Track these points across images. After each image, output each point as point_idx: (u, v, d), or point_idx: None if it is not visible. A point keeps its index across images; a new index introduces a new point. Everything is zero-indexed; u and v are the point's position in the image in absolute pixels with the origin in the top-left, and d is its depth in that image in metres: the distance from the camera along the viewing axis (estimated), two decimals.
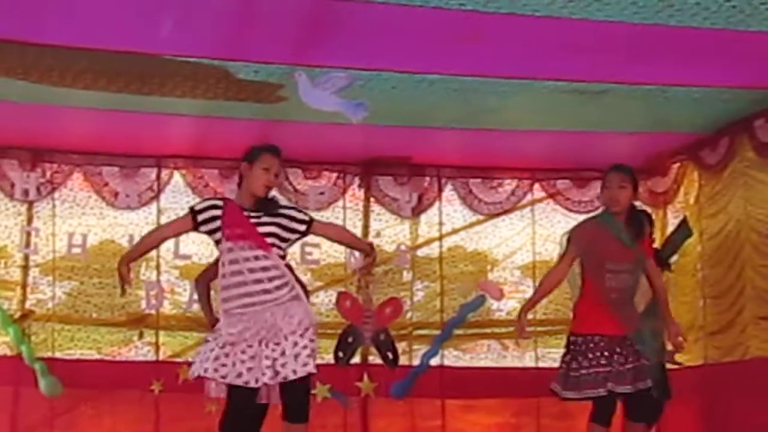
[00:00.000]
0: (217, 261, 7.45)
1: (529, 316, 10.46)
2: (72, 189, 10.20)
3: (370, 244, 6.40)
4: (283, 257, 5.94)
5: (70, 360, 10.01)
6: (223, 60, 7.46)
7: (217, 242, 5.93)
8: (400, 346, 10.22)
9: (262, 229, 5.87)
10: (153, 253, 10.15)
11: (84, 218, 10.20)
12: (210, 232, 5.95)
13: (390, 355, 10.08)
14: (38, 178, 10.03)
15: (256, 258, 5.84)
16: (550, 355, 10.53)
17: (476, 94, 8.19)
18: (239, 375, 5.77)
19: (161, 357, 10.21)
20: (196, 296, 9.84)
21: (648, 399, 6.49)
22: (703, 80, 8.06)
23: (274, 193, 6.12)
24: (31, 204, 10.10)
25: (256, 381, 5.77)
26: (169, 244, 10.14)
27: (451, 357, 10.61)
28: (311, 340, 5.83)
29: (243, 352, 5.78)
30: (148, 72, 7.74)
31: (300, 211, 6.15)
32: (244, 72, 7.69)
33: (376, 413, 10.38)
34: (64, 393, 9.64)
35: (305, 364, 5.75)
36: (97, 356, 10.18)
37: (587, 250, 6.54)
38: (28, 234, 10.05)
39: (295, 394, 5.84)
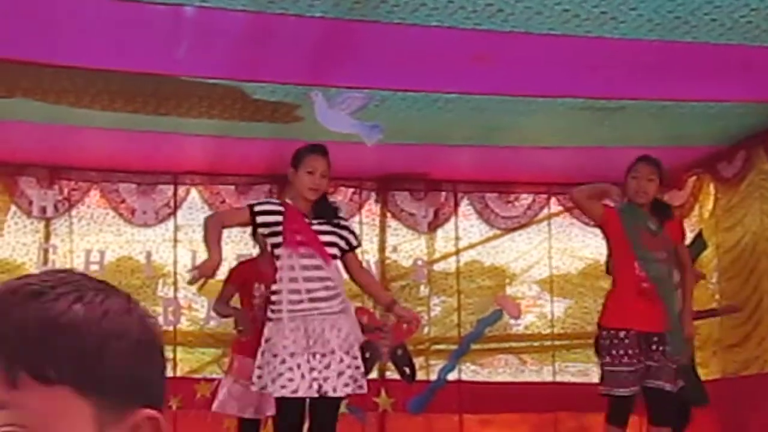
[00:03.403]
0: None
1: (546, 330, 10.73)
2: (89, 206, 10.23)
3: (389, 299, 6.31)
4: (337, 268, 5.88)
5: None
6: (239, 80, 7.49)
7: (273, 245, 5.85)
8: (418, 361, 10.21)
9: (323, 238, 5.80)
10: (170, 269, 10.24)
11: (101, 235, 10.23)
12: (269, 235, 5.87)
13: (407, 371, 10.07)
14: (56, 195, 10.06)
15: (315, 267, 5.75)
16: (568, 369, 10.54)
17: (492, 113, 8.21)
18: (284, 386, 5.67)
19: (179, 373, 10.20)
20: (214, 313, 9.98)
21: (670, 402, 6.38)
22: (718, 95, 8.05)
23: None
24: (48, 221, 10.13)
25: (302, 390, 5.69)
26: (187, 260, 10.22)
27: (469, 372, 10.61)
28: (355, 358, 5.73)
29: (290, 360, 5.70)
30: (165, 93, 7.78)
31: (355, 233, 6.12)
32: (260, 92, 7.72)
33: (393, 428, 10.38)
34: None
35: (346, 385, 5.67)
36: None
37: (615, 235, 6.44)
38: (46, 251, 10.08)
39: (326, 411, 5.76)
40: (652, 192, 6.56)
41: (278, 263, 5.82)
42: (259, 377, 5.76)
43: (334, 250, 5.82)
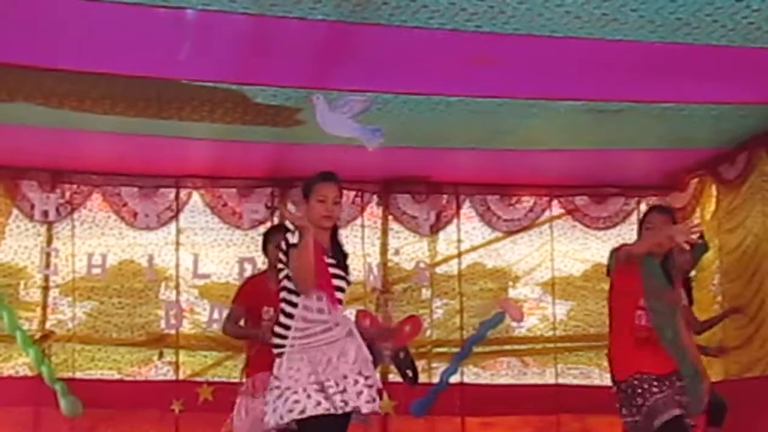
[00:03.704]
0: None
1: (548, 332, 10.72)
2: (91, 209, 10.24)
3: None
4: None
5: (91, 380, 10.04)
6: (241, 84, 7.49)
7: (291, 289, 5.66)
8: (420, 363, 10.22)
9: (334, 282, 5.69)
10: (172, 272, 10.25)
11: (103, 238, 10.24)
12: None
13: (410, 373, 10.07)
14: (57, 199, 10.07)
15: (320, 311, 5.61)
16: (570, 371, 10.54)
17: (494, 116, 8.21)
18: (318, 404, 5.48)
19: (181, 376, 10.22)
20: (216, 316, 9.97)
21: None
22: (720, 97, 8.05)
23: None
24: (50, 225, 10.15)
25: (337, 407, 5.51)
26: (189, 263, 10.23)
27: (471, 374, 10.61)
28: (367, 377, 5.58)
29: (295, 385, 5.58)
30: (166, 96, 7.77)
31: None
32: (262, 96, 7.73)
33: (396, 431, 10.38)
34: (84, 413, 9.67)
35: (368, 402, 5.52)
36: (117, 376, 10.21)
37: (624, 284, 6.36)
38: (48, 255, 10.10)
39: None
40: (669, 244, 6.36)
41: (292, 300, 5.72)
42: (274, 410, 5.55)
43: (340, 295, 5.73)
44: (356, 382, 5.55)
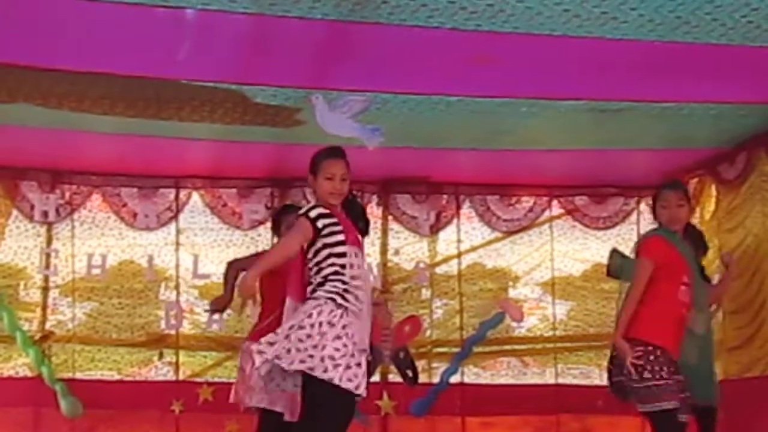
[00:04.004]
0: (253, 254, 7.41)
1: (549, 332, 10.72)
2: (91, 210, 10.25)
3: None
4: None
5: (91, 380, 10.05)
6: (240, 84, 7.49)
7: (331, 245, 5.59)
8: (420, 364, 10.22)
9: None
10: (172, 272, 10.25)
11: (103, 239, 10.25)
12: (328, 235, 5.60)
13: (410, 373, 10.07)
14: (57, 199, 10.09)
15: (359, 267, 5.67)
16: (570, 371, 10.55)
17: (494, 116, 8.20)
18: (350, 380, 5.46)
19: (181, 377, 10.23)
20: (216, 316, 9.96)
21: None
22: (720, 97, 8.04)
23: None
24: (50, 225, 10.16)
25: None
26: (188, 263, 10.23)
27: (471, 374, 10.61)
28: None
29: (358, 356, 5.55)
30: (166, 97, 7.77)
31: None
32: (261, 96, 7.73)
33: (396, 431, 10.38)
34: (84, 413, 9.67)
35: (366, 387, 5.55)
36: (117, 376, 10.23)
37: (664, 261, 6.33)
38: (48, 255, 10.11)
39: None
40: (685, 218, 6.49)
41: (336, 261, 5.59)
42: (336, 366, 5.40)
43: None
44: (360, 365, 5.53)
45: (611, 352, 6.38)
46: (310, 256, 5.65)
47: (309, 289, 5.63)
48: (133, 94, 7.74)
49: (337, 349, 5.41)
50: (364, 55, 6.96)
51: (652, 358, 6.14)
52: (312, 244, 5.61)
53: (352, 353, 5.46)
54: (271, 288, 7.47)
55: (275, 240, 8.04)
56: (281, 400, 7.17)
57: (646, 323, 6.21)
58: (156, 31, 6.61)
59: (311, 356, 5.42)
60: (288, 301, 5.76)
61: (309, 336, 5.43)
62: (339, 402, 5.44)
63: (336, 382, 5.35)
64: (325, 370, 5.37)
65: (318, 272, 5.61)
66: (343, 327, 5.49)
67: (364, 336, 5.60)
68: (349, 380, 5.40)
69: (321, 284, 5.57)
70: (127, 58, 6.95)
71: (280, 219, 7.47)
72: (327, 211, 5.67)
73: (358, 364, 5.47)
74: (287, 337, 5.47)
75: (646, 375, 6.12)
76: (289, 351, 5.44)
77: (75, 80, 7.37)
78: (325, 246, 5.60)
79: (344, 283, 5.57)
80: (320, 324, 5.44)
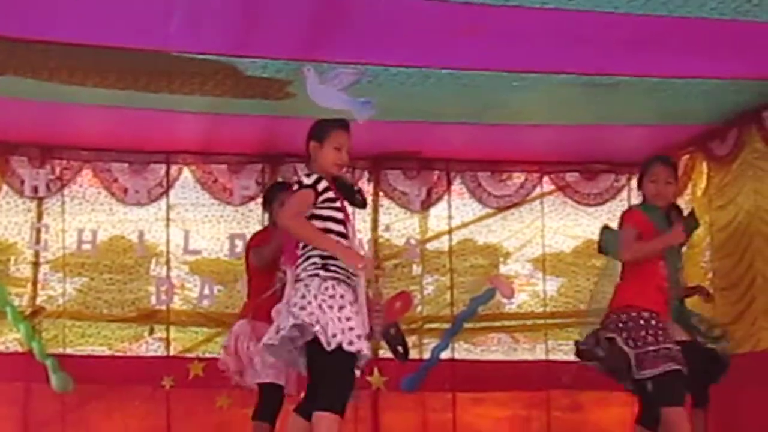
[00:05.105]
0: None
1: (540, 308, 10.73)
2: (81, 185, 10.22)
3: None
4: None
5: (81, 356, 10.03)
6: (231, 56, 7.46)
7: (326, 218, 5.70)
8: (411, 340, 10.19)
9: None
10: (163, 248, 10.24)
11: (94, 214, 10.21)
12: (325, 207, 5.70)
13: (400, 349, 10.01)
14: (47, 174, 10.04)
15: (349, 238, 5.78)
16: (561, 347, 10.56)
17: (485, 89, 8.17)
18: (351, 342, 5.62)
19: (172, 352, 10.21)
20: (207, 292, 9.97)
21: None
22: (711, 72, 8.03)
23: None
24: (40, 201, 10.12)
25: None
26: (179, 239, 10.21)
27: (462, 350, 10.60)
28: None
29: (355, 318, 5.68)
30: (156, 69, 7.74)
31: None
32: (252, 68, 7.70)
33: (386, 407, 10.38)
34: (75, 389, 9.63)
35: None
36: (107, 352, 10.21)
37: (645, 235, 6.36)
38: (38, 231, 10.07)
39: None
40: (671, 196, 6.50)
41: (332, 227, 5.71)
42: (334, 335, 5.54)
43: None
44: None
45: (601, 322, 6.38)
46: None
47: (308, 262, 5.66)
48: (123, 67, 7.70)
49: (343, 319, 5.56)
50: (355, 28, 6.93)
51: (653, 323, 6.19)
52: (313, 216, 5.66)
53: (348, 317, 5.59)
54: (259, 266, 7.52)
55: (266, 217, 8.05)
56: (284, 374, 7.24)
57: (636, 293, 6.27)
58: (147, 3, 6.60)
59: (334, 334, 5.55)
60: (289, 273, 5.80)
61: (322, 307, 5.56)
62: (346, 365, 5.62)
63: (345, 347, 5.50)
64: (334, 335, 5.51)
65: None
66: (341, 296, 5.62)
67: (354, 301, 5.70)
68: (350, 343, 5.53)
69: (320, 257, 5.64)
70: (117, 30, 6.92)
71: (272, 196, 7.47)
72: (326, 185, 5.72)
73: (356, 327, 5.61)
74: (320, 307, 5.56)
75: (650, 339, 6.15)
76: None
77: (65, 52, 7.33)
78: (326, 219, 5.67)
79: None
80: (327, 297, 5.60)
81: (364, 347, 5.63)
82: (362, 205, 5.99)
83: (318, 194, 5.67)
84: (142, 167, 10.21)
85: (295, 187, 5.76)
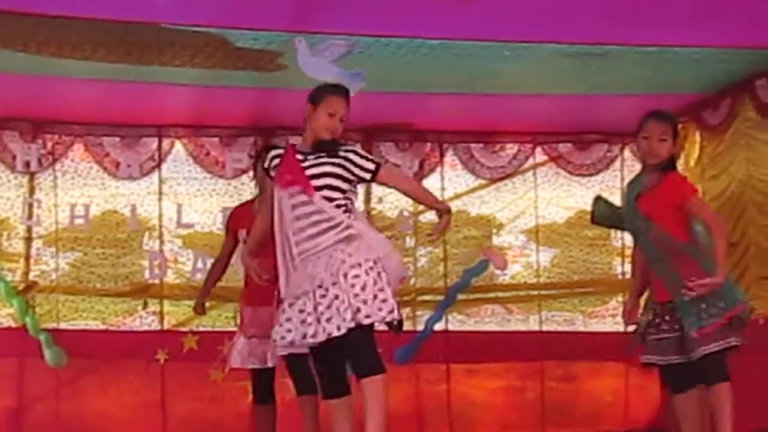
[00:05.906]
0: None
1: (533, 279, 10.73)
2: (73, 160, 10.18)
3: (447, 206, 5.98)
4: (342, 202, 5.53)
5: (75, 330, 10.02)
6: (221, 28, 7.43)
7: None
8: (404, 311, 10.18)
9: (314, 170, 5.46)
10: (155, 222, 10.23)
11: (86, 189, 10.19)
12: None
13: (394, 322, 10.04)
14: (39, 149, 10.01)
15: (303, 203, 5.46)
16: (554, 318, 10.58)
17: (476, 59, 8.13)
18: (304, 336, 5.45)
19: (166, 326, 10.23)
20: (200, 265, 9.96)
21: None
22: (702, 41, 8.00)
23: None
24: (32, 175, 10.09)
25: (304, 337, 5.45)
26: (172, 213, 10.20)
27: (456, 322, 10.62)
28: (352, 286, 5.40)
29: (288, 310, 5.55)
30: (147, 41, 7.70)
31: (366, 158, 5.66)
32: (243, 40, 7.66)
33: None
34: (69, 363, 9.65)
35: (344, 320, 5.39)
36: (101, 326, 10.21)
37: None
38: (30, 206, 10.06)
39: (336, 352, 5.57)
40: (664, 153, 5.98)
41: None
42: (288, 331, 5.53)
43: (328, 180, 5.48)
44: (337, 296, 5.47)
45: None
46: None
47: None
48: (113, 39, 7.66)
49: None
50: None
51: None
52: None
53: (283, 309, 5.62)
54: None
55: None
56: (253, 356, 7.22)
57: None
58: None
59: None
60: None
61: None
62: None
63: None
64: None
65: None
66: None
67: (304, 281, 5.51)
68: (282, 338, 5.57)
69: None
70: (107, 2, 6.89)
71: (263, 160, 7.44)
72: (279, 153, 5.68)
73: (288, 319, 5.59)
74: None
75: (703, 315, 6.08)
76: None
77: (55, 25, 7.28)
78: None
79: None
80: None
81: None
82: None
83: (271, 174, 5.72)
84: (133, 141, 10.18)
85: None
